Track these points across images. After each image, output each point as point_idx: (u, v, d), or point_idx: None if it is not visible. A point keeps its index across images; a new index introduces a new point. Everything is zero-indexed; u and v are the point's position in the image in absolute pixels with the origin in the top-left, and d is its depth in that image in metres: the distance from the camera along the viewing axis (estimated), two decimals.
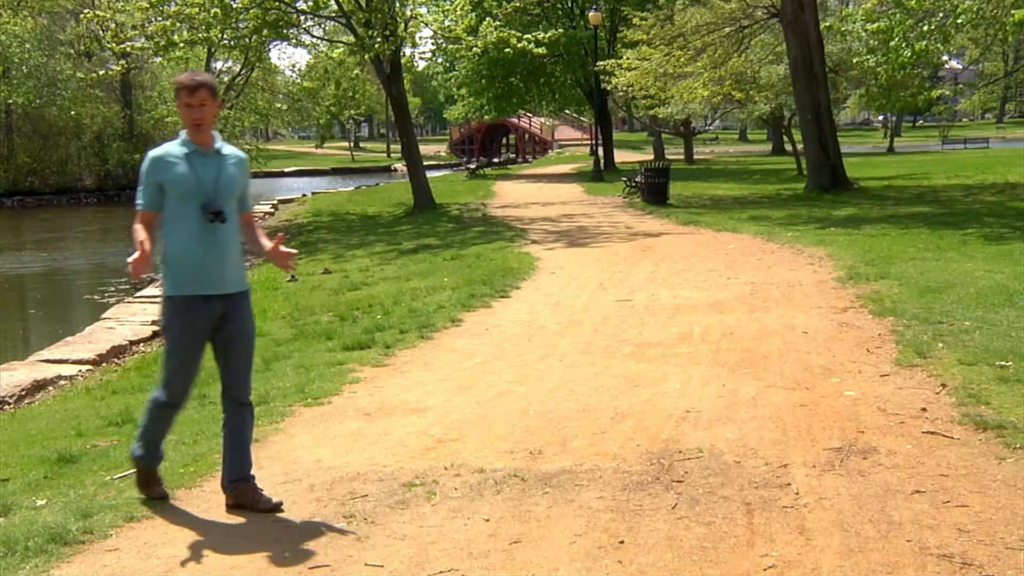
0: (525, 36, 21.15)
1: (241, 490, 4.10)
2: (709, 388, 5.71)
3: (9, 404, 7.38)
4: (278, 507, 4.09)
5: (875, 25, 14.54)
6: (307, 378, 6.53)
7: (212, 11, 18.27)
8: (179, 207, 3.91)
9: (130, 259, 3.74)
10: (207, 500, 4.31)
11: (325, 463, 4.73)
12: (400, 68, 21.21)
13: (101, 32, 22.84)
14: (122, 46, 20.06)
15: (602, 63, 28.61)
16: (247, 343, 4.10)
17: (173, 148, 3.98)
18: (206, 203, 3.89)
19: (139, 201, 3.97)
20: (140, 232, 3.91)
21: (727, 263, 10.99)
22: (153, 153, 3.96)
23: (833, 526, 3.69)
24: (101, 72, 24.60)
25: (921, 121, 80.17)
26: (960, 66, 59.28)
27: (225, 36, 19.73)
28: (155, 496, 4.27)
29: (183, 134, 4.00)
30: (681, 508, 3.94)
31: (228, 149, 4.08)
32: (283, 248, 4.12)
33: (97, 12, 21.10)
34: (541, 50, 21.85)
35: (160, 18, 18.94)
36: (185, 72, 4.03)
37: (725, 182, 27.48)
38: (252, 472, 4.16)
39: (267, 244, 4.14)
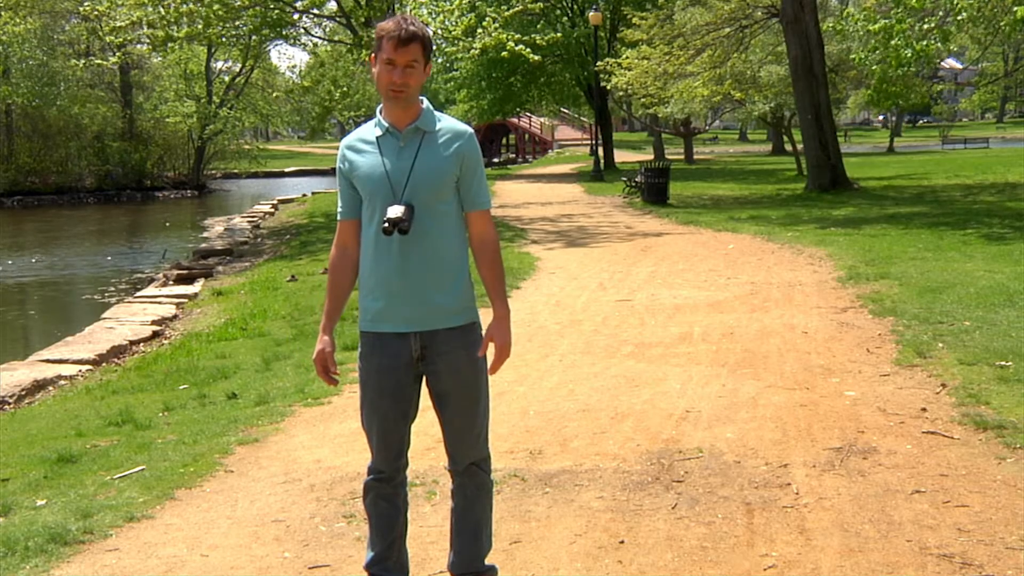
0: (522, 39, 21.17)
1: None
2: (709, 388, 5.71)
3: (9, 404, 7.38)
4: None
5: (876, 26, 14.52)
6: (307, 378, 6.52)
7: (215, 8, 18.27)
8: (369, 211, 2.95)
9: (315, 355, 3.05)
10: (207, 500, 4.32)
11: (325, 463, 4.73)
12: None
13: (100, 26, 22.84)
14: (119, 39, 20.05)
15: (602, 63, 28.60)
16: (464, 395, 3.02)
17: (366, 131, 2.98)
18: (389, 205, 2.87)
19: (338, 207, 3.08)
20: (331, 272, 3.12)
21: (727, 263, 10.99)
22: (345, 140, 3.03)
23: (833, 526, 3.69)
24: (97, 62, 24.53)
25: (921, 121, 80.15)
26: (960, 65, 59.28)
27: (223, 34, 19.73)
28: None
29: (379, 110, 2.98)
30: (681, 508, 3.94)
31: (441, 123, 2.94)
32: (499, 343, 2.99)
33: (96, 7, 21.09)
34: (536, 58, 21.89)
35: (160, 11, 18.93)
36: (391, 18, 2.88)
37: (725, 182, 27.47)
38: (489, 563, 3.20)
39: (499, 309, 3.01)
